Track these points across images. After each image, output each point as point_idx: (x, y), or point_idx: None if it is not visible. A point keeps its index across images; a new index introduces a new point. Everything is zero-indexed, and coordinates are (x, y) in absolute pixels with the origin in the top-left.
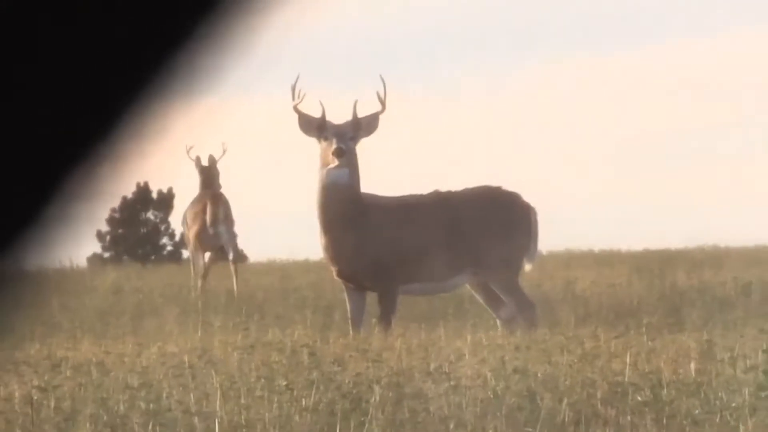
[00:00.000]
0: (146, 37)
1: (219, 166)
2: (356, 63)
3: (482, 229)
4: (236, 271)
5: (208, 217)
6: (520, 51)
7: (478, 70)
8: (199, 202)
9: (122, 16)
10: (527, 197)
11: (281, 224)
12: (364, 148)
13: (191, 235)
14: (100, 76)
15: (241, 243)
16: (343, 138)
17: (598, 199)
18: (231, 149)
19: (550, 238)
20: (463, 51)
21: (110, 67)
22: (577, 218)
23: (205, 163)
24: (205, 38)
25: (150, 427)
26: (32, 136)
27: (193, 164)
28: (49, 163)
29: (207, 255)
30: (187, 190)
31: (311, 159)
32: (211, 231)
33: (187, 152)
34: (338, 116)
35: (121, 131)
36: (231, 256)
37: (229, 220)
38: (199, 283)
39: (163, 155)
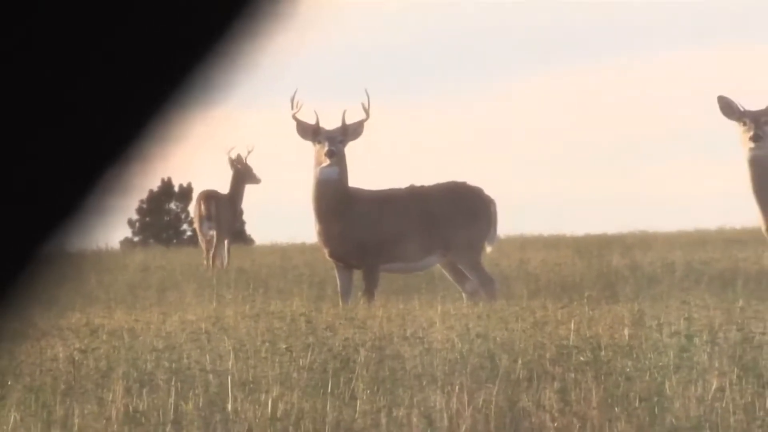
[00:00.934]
0: (170, 54)
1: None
2: (347, 76)
3: (450, 218)
4: (228, 253)
5: (197, 215)
6: (489, 69)
7: (451, 84)
8: (197, 200)
9: (151, 31)
10: (490, 190)
11: (283, 213)
12: (351, 149)
13: (195, 225)
14: (132, 88)
15: (249, 228)
16: (334, 141)
17: (548, 191)
18: (239, 152)
19: (507, 224)
20: (440, 66)
21: (139, 79)
22: (530, 207)
23: (236, 159)
24: (219, 56)
25: (173, 382)
26: (76, 139)
27: (228, 163)
28: (88, 162)
29: (209, 241)
30: (204, 185)
31: (307, 159)
32: (200, 225)
33: (228, 153)
34: (330, 123)
35: (148, 135)
36: (218, 246)
37: (219, 217)
38: (205, 262)
39: (183, 155)
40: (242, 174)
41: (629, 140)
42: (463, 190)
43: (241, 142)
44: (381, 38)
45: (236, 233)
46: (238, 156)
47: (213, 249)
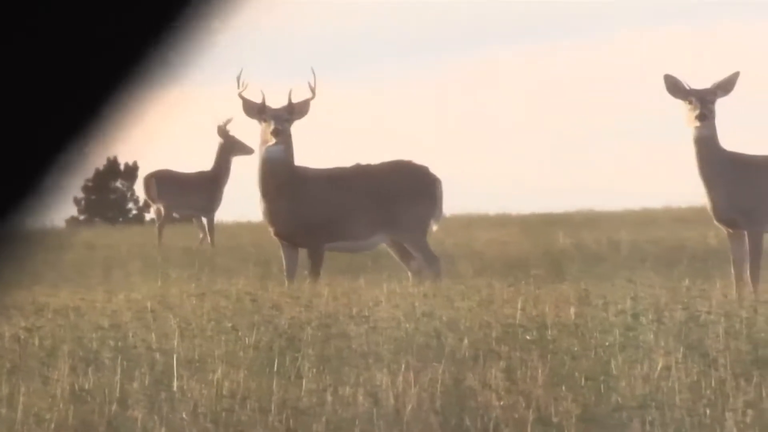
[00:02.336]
0: (123, 36)
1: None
2: (295, 55)
3: (396, 196)
4: (211, 231)
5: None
6: (435, 49)
7: (398, 63)
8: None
9: (106, 16)
10: (435, 169)
11: (229, 192)
12: (297, 128)
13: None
14: (82, 73)
15: None
16: (280, 120)
17: (494, 169)
18: (191, 130)
19: (453, 203)
20: (389, 46)
21: (92, 63)
22: (476, 186)
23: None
24: (174, 39)
25: (118, 361)
26: (22, 118)
27: (217, 132)
28: (34, 141)
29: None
30: (151, 164)
31: (254, 138)
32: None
33: (224, 124)
34: (277, 102)
35: (96, 115)
36: (200, 225)
37: (163, 195)
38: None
39: (131, 134)
40: (229, 146)
41: (576, 119)
42: (409, 168)
43: (193, 119)
44: (332, 18)
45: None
46: (223, 127)
47: (160, 227)
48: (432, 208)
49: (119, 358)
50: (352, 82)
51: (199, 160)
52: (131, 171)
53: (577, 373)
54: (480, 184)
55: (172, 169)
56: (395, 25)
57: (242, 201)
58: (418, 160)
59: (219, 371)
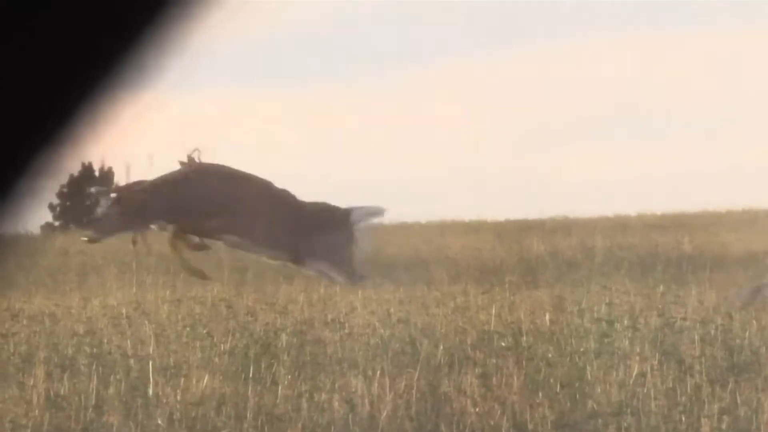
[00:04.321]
0: (98, 37)
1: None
2: (255, 62)
3: None
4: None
5: None
6: (412, 51)
7: (370, 67)
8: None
9: (81, 17)
10: (410, 174)
11: None
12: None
13: None
14: (56, 71)
15: None
16: None
17: (468, 176)
18: (163, 139)
19: (426, 210)
20: (357, 50)
21: (64, 62)
22: (450, 192)
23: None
24: (148, 39)
25: (94, 367)
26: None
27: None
28: (8, 145)
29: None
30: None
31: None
32: None
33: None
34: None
35: (72, 118)
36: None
37: None
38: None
39: (105, 140)
40: None
41: (550, 124)
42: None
43: (167, 126)
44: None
45: None
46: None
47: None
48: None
49: (95, 364)
50: (327, 88)
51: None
52: (106, 176)
53: (552, 380)
54: (453, 189)
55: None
56: (355, 25)
57: None
58: (390, 165)
59: (194, 377)
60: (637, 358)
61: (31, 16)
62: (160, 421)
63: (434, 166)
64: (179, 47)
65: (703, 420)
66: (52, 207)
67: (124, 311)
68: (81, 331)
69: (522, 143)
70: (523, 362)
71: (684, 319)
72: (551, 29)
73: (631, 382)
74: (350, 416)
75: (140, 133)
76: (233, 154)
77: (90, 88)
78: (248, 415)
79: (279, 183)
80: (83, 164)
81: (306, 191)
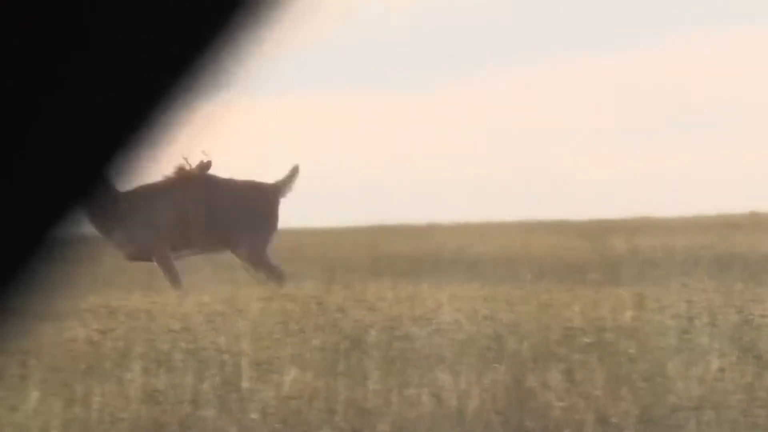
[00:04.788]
0: (174, 42)
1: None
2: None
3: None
4: None
5: None
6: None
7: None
8: None
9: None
10: (499, 174)
11: (295, 196)
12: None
13: None
14: (140, 76)
15: None
16: None
17: (552, 177)
18: (252, 140)
19: (511, 209)
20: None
21: (145, 67)
22: (534, 193)
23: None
24: (232, 44)
25: (189, 362)
26: (92, 125)
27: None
28: (104, 147)
29: None
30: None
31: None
32: None
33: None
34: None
35: (162, 123)
36: None
37: None
38: None
39: (197, 144)
40: None
41: (634, 125)
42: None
43: (250, 130)
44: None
45: None
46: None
47: None
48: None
49: (190, 359)
50: (406, 90)
51: (261, 169)
52: None
53: (634, 375)
54: (538, 189)
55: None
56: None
57: (308, 206)
58: (475, 165)
59: (287, 373)
60: (716, 354)
61: (122, 18)
62: (253, 415)
63: (519, 166)
64: (262, 48)
65: None
66: None
67: (218, 308)
68: (177, 327)
69: (606, 143)
70: (606, 358)
71: (762, 315)
72: (649, 25)
73: (710, 377)
74: (438, 410)
75: (223, 135)
76: (315, 156)
77: (177, 90)
78: (339, 408)
79: (364, 184)
80: (179, 168)
81: (392, 192)
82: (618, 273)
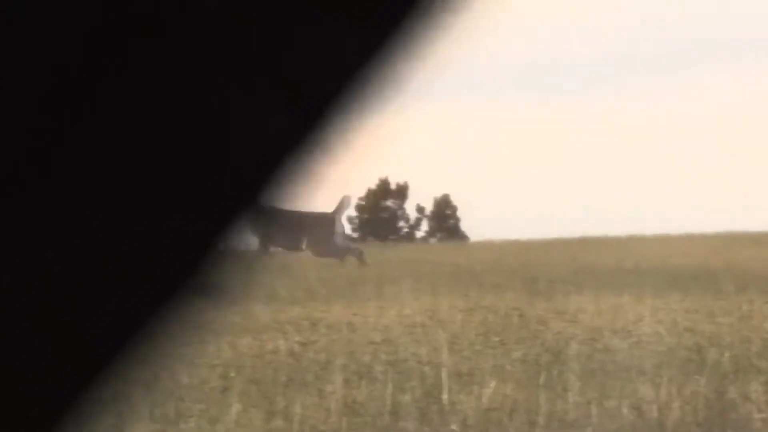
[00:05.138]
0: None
1: None
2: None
3: None
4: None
5: None
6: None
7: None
8: None
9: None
10: (696, 187)
11: (497, 210)
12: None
13: None
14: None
15: (464, 225)
16: None
17: (754, 188)
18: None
19: (712, 222)
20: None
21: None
22: (735, 205)
23: None
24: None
25: (390, 374)
26: (289, 133)
27: None
28: (304, 160)
29: None
30: (420, 183)
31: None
32: None
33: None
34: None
35: (362, 133)
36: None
37: None
38: None
39: (398, 155)
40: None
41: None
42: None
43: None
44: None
45: (451, 230)
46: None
47: None
48: None
49: (390, 371)
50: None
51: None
52: (402, 190)
53: None
54: (739, 201)
55: None
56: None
57: (510, 218)
58: (672, 178)
59: (487, 384)
60: None
61: (296, 20)
62: (454, 427)
63: (719, 178)
64: (426, 56)
65: None
66: (350, 219)
67: (418, 320)
68: (377, 339)
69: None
70: None
71: None
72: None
73: None
74: (639, 422)
75: (433, 146)
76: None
77: (352, 97)
78: (539, 421)
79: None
80: (380, 179)
81: (594, 205)
82: None
